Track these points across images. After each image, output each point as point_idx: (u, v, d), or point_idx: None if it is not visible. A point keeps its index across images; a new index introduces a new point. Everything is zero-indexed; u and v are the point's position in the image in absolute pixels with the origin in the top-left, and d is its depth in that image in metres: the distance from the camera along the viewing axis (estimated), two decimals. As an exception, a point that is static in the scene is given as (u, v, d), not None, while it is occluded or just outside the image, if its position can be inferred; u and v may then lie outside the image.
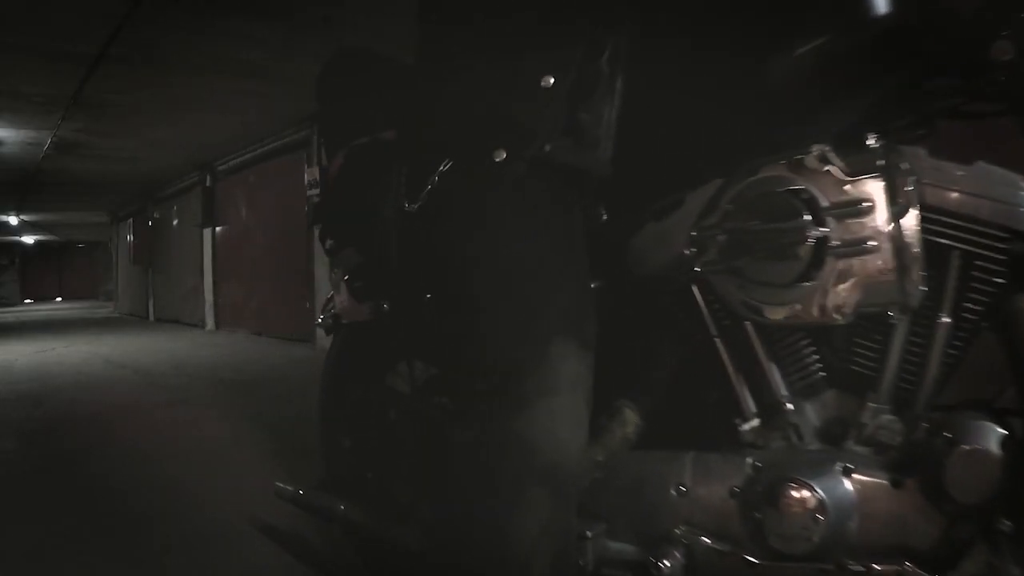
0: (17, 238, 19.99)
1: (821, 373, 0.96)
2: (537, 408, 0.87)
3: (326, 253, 1.25)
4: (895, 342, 0.89)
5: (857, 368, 0.93)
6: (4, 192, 10.49)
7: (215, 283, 9.58)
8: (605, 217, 1.04)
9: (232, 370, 5.47)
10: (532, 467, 0.86)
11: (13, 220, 14.72)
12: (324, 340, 6.65)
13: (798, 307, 0.89)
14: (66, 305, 20.17)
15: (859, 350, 0.93)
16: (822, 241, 0.87)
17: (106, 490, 2.44)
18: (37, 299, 23.28)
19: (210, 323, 9.61)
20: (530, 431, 0.86)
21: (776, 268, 0.89)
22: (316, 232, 1.31)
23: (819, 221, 0.87)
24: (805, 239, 0.87)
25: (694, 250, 0.97)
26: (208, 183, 9.50)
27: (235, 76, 5.28)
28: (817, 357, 0.96)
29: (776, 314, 0.90)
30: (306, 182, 6.71)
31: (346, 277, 1.30)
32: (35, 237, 20.17)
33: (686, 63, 0.96)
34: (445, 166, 0.95)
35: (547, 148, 0.90)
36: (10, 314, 15.44)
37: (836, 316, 0.87)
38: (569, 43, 0.91)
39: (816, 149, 0.89)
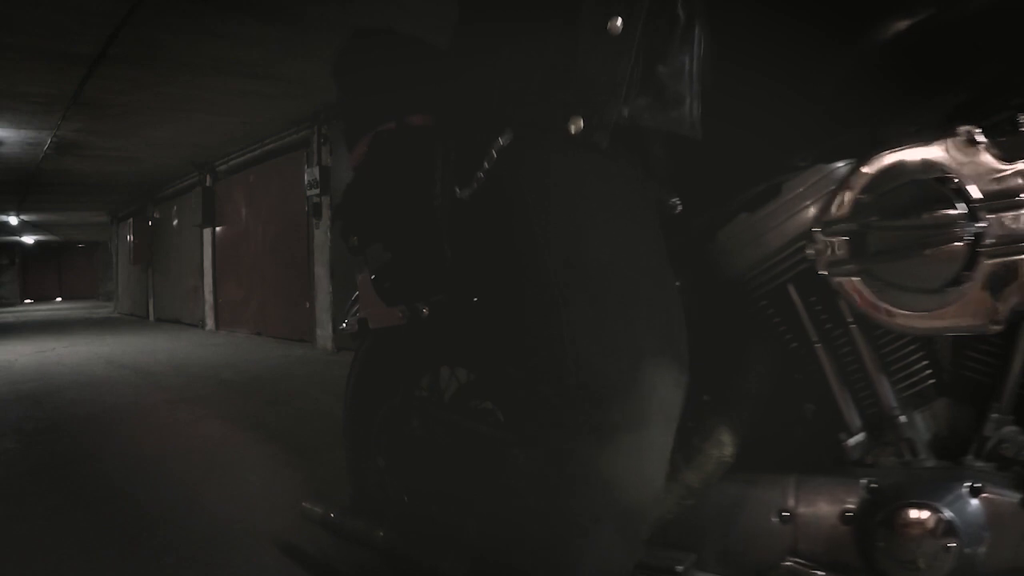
0: (17, 238, 19.96)
1: (931, 380, 0.86)
2: (625, 442, 0.75)
3: (350, 251, 1.13)
4: (1019, 344, 0.79)
5: (971, 374, 0.83)
6: (4, 192, 10.44)
7: (215, 283, 9.53)
8: (680, 208, 0.92)
9: (232, 370, 5.44)
10: (611, 508, 0.75)
11: (13, 220, 14.67)
12: (324, 340, 6.66)
13: (947, 314, 0.78)
14: (66, 305, 20.14)
15: (974, 354, 0.83)
16: (977, 238, 0.76)
17: (106, 490, 2.43)
18: (37, 299, 23.25)
19: (210, 323, 9.56)
20: (614, 468, 0.75)
21: (923, 270, 0.78)
22: (338, 228, 1.19)
23: (972, 215, 0.76)
24: (959, 236, 0.76)
25: (818, 247, 0.84)
26: (208, 183, 9.43)
27: (235, 76, 5.24)
28: (927, 363, 0.86)
29: (922, 322, 0.80)
30: (306, 182, 6.71)
31: (373, 277, 1.19)
32: (35, 237, 20.13)
33: (769, 29, 0.85)
34: (503, 141, 0.79)
35: (625, 112, 0.76)
36: (10, 314, 15.41)
37: (992, 324, 0.76)
38: None
39: (963, 130, 0.78)
